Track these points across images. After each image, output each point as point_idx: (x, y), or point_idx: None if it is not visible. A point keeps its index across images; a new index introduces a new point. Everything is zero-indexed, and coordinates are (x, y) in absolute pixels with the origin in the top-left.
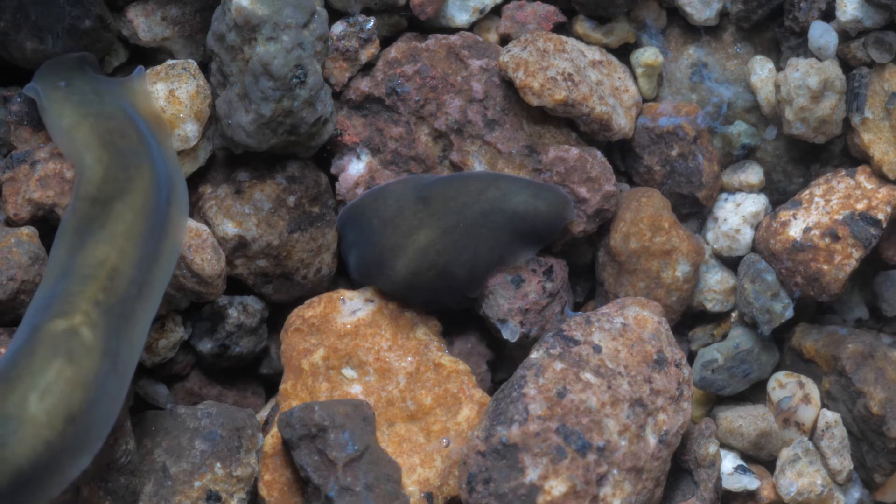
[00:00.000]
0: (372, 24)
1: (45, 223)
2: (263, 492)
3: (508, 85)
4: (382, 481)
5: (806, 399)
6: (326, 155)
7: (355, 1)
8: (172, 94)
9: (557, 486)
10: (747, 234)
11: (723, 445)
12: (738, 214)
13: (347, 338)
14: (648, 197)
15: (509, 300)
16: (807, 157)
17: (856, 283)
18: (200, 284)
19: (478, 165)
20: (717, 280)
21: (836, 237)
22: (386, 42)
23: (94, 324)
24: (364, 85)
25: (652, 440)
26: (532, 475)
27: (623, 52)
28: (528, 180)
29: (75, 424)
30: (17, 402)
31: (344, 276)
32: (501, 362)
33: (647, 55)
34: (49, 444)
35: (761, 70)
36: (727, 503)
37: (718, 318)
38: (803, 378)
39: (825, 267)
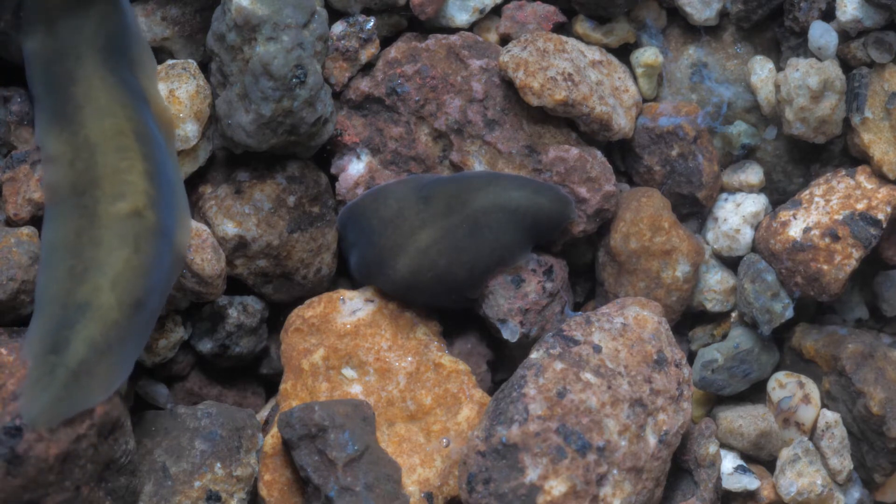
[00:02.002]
0: (372, 24)
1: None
2: (263, 492)
3: (508, 85)
4: (382, 481)
5: (806, 399)
6: (326, 155)
7: (355, 1)
8: (172, 94)
9: (557, 486)
10: (747, 234)
11: (723, 445)
12: (738, 214)
13: (347, 338)
14: (648, 197)
15: (509, 300)
16: (807, 157)
17: (856, 283)
18: (200, 284)
19: (478, 165)
20: (717, 280)
21: (836, 237)
22: (386, 42)
23: (154, 201)
24: (364, 85)
25: (652, 440)
26: (532, 475)
27: (623, 52)
28: (528, 178)
29: (140, 308)
30: (88, 291)
31: (344, 276)
32: (501, 362)
33: (647, 55)
34: (118, 324)
35: (761, 70)
36: (727, 503)
37: (718, 318)
38: (803, 378)
39: (825, 267)
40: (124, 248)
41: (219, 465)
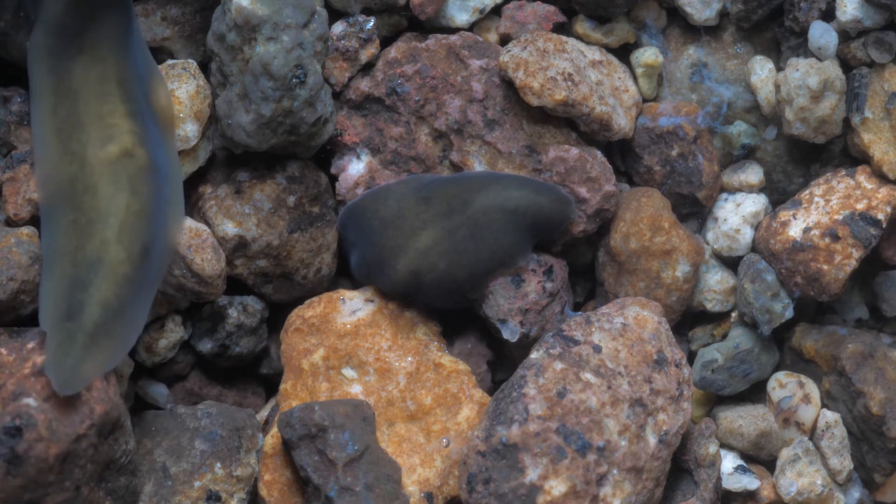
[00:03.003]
0: (372, 24)
1: None
2: (263, 492)
3: (508, 85)
4: (382, 481)
5: (806, 399)
6: (326, 155)
7: (355, 1)
8: (172, 94)
9: (557, 486)
10: (747, 234)
11: (723, 445)
12: (738, 214)
13: (347, 338)
14: (648, 197)
15: (509, 300)
16: (807, 157)
17: (856, 283)
18: (200, 284)
19: (478, 165)
20: (717, 280)
21: (836, 237)
22: (386, 42)
23: (141, 139)
24: (364, 85)
25: (652, 440)
26: (532, 475)
27: (623, 52)
28: (528, 178)
29: (147, 255)
30: (97, 246)
31: (344, 276)
32: (501, 362)
33: (647, 55)
34: (128, 278)
35: (761, 70)
36: (727, 503)
37: (718, 318)
38: (803, 378)
39: (825, 267)
40: (121, 193)
41: (219, 465)
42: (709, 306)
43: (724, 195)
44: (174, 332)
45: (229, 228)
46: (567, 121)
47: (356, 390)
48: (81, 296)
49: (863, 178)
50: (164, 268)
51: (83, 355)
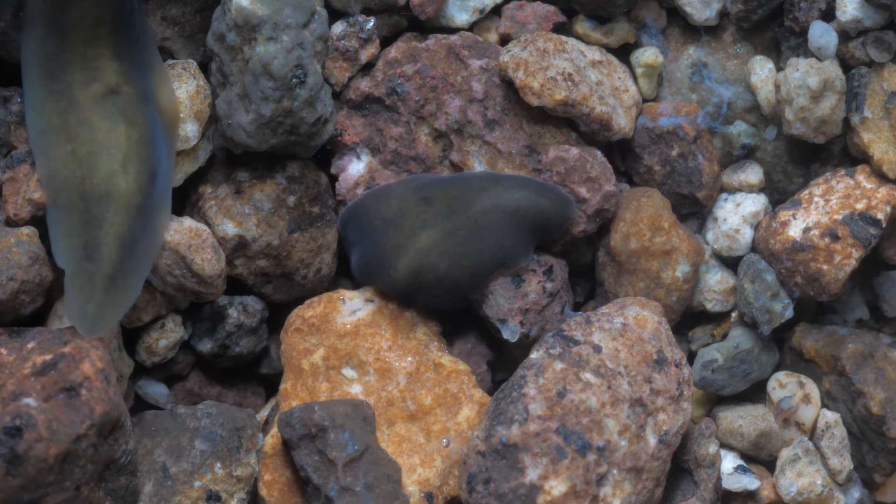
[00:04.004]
0: (372, 24)
1: (45, 223)
2: (263, 492)
3: (508, 85)
4: (382, 481)
5: (806, 399)
6: (326, 155)
7: (355, 1)
8: None
9: (557, 486)
10: (747, 234)
11: (723, 445)
12: (737, 214)
13: (347, 338)
14: (648, 197)
15: (509, 300)
16: (807, 156)
17: (856, 283)
18: (200, 284)
19: (478, 165)
20: (717, 280)
21: (835, 237)
22: (386, 42)
23: (127, 77)
24: (364, 85)
25: (652, 440)
26: (532, 475)
27: (623, 52)
28: (529, 179)
29: (155, 180)
30: (104, 178)
31: (344, 276)
32: (501, 362)
33: (647, 55)
34: (140, 208)
35: (761, 70)
36: (727, 503)
37: (718, 318)
38: (803, 378)
39: (825, 267)
40: (119, 125)
41: (219, 465)
42: (709, 306)
43: (724, 195)
44: (174, 332)
45: (229, 228)
46: (567, 121)
47: (356, 390)
48: (97, 233)
49: (862, 177)
50: (170, 191)
51: (104, 298)
